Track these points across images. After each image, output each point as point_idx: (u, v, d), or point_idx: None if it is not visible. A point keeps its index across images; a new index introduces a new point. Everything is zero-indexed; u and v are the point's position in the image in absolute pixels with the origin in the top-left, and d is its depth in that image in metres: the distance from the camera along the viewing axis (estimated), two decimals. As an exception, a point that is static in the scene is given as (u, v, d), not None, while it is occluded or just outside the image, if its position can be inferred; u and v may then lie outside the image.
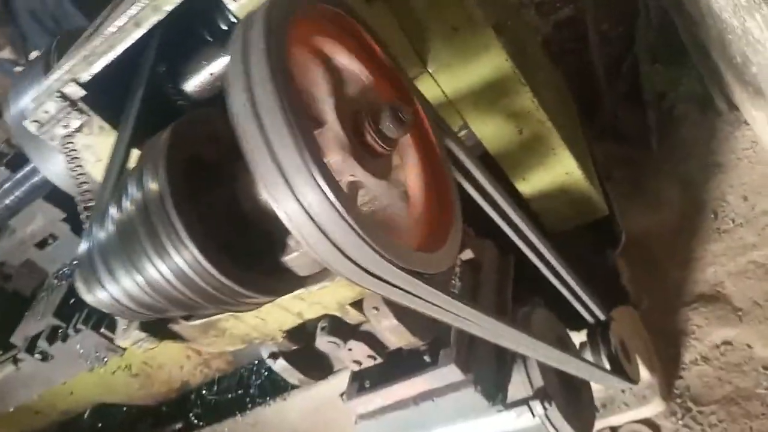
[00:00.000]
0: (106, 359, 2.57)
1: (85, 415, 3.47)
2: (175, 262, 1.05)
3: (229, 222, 1.07)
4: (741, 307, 2.69)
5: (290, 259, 1.09)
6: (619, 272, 2.18)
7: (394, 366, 1.73)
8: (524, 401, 1.71)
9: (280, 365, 1.53)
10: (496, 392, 1.61)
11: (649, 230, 3.08)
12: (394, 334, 1.41)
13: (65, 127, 1.50)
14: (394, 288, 1.02)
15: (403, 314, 1.40)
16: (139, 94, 1.41)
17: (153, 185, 1.03)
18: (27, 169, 2.31)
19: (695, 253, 2.99)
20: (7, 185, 2.38)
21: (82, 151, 1.55)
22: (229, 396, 3.03)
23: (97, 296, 1.22)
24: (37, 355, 2.66)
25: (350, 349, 1.51)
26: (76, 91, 1.44)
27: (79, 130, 1.52)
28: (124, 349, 2.53)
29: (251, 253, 1.10)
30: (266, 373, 2.89)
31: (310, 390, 2.74)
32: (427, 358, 1.64)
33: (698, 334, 2.72)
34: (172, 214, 1.01)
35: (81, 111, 1.48)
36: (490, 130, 1.79)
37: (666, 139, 3.41)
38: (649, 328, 2.61)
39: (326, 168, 0.87)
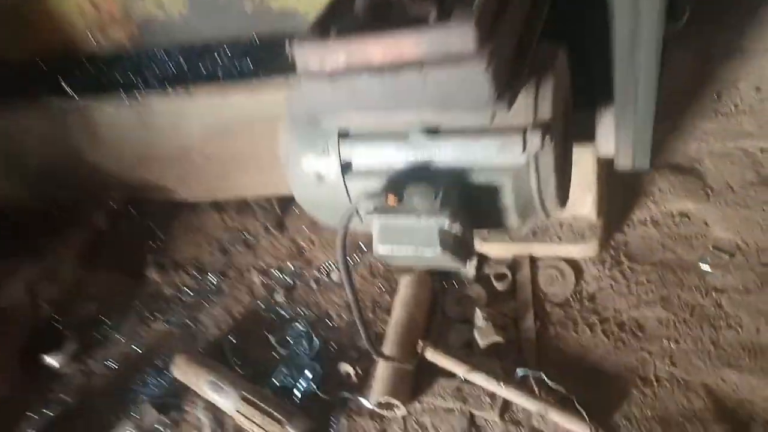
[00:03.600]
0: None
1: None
2: None
3: None
4: (713, 186, 2.46)
5: None
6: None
7: (381, 14, 1.25)
8: (521, 130, 1.32)
9: None
10: (505, 90, 1.19)
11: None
12: None
13: None
14: None
15: None
16: None
17: None
18: None
19: (684, 125, 2.71)
20: None
21: None
22: (121, 81, 2.44)
23: None
24: None
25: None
26: None
27: None
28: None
29: None
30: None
31: (221, 101, 2.24)
32: (432, 12, 1.17)
33: (658, 197, 2.49)
34: None
35: None
36: None
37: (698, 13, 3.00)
38: (610, 175, 2.31)
39: None
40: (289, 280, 2.68)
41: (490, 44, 1.14)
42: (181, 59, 2.23)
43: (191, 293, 2.71)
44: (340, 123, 1.40)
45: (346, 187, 1.50)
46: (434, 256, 1.31)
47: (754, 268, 2.18)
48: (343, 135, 1.48)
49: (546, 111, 1.32)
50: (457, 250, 1.33)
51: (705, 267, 2.23)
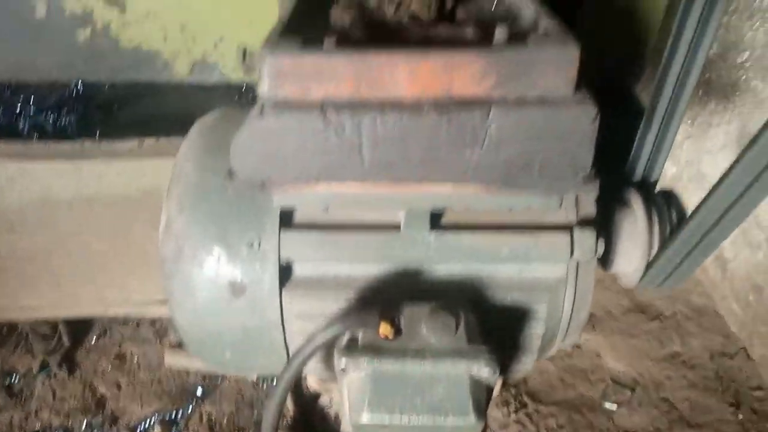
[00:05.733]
0: None
1: None
2: None
3: None
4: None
5: None
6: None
7: (378, 33, 0.79)
8: (565, 228, 0.92)
9: None
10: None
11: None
12: None
13: None
14: None
15: None
16: None
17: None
18: None
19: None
20: None
21: None
22: None
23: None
24: None
25: None
26: None
27: None
28: None
29: None
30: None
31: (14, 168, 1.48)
32: (502, 30, 0.75)
33: (546, 326, 2.26)
34: None
35: None
36: None
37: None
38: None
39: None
40: (80, 446, 1.81)
41: (587, 86, 0.75)
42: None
43: None
44: (295, 199, 0.83)
45: (281, 306, 0.91)
46: (461, 426, 0.79)
47: (657, 405, 2.01)
48: (285, 222, 0.92)
49: (590, 206, 0.94)
50: (485, 412, 0.82)
51: (610, 406, 2.00)
